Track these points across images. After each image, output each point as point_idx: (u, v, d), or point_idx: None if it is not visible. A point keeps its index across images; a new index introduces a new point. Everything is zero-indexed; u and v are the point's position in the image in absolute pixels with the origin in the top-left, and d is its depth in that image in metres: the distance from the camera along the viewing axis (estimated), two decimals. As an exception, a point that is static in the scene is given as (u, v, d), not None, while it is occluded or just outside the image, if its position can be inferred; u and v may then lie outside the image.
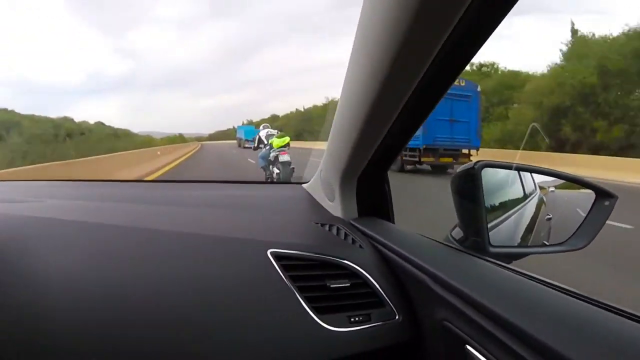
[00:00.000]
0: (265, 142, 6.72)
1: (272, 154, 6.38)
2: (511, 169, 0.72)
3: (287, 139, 6.51)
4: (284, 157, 6.12)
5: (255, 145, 7.22)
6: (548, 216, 0.81)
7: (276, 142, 6.40)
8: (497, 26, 0.47)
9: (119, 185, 1.27)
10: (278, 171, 6.17)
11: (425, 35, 0.46)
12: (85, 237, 0.70)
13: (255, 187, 1.23)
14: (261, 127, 7.54)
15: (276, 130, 7.15)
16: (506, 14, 0.45)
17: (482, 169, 0.65)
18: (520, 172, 0.76)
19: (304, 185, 1.07)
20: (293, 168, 6.14)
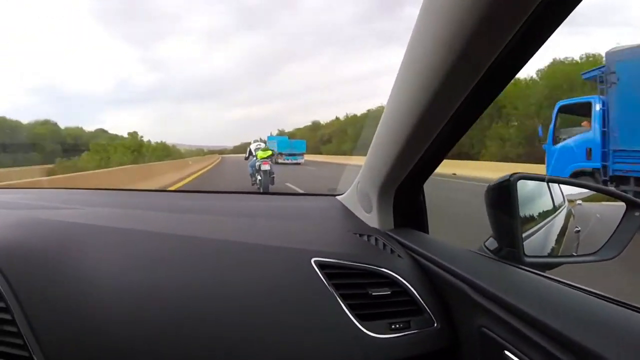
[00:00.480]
0: (254, 154, 8.26)
1: (257, 164, 7.87)
2: (544, 181, 0.74)
3: (269, 152, 8.16)
4: (265, 167, 7.67)
5: (247, 155, 8.73)
6: (577, 229, 0.82)
7: (260, 154, 7.94)
8: (549, 36, 0.48)
9: (153, 195, 1.32)
10: (260, 178, 7.73)
11: (480, 49, 0.47)
12: (129, 243, 0.73)
13: (290, 198, 1.26)
14: (252, 141, 8.79)
15: (263, 144, 8.54)
16: (560, 24, 0.46)
17: (517, 181, 0.67)
18: (550, 184, 0.78)
19: (338, 197, 1.09)
20: (273, 177, 7.80)
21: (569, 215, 0.82)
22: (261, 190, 6.70)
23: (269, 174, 7.73)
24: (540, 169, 7.55)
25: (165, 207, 1.06)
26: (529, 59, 0.52)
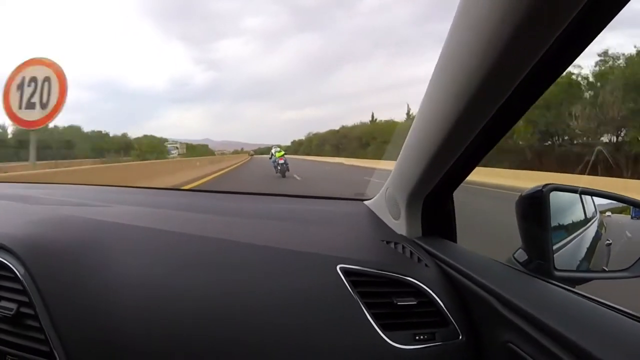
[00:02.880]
0: (274, 154, 14.13)
1: (275, 160, 13.57)
2: (577, 193, 0.72)
3: (282, 152, 13.81)
4: (281, 161, 13.10)
5: (270, 156, 15.00)
6: (608, 241, 0.80)
7: (277, 153, 13.74)
8: (587, 45, 0.46)
9: (178, 194, 1.34)
10: (279, 167, 13.03)
11: (519, 55, 0.45)
12: (156, 242, 0.74)
13: (317, 202, 1.25)
14: (273, 146, 15.14)
15: (279, 148, 14.58)
16: (603, 28, 0.44)
17: (550, 193, 0.65)
18: (582, 195, 0.75)
19: (366, 202, 1.07)
20: (287, 166, 13.09)
21: (600, 227, 0.79)
22: (281, 176, 12.68)
23: (284, 165, 13.07)
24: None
25: (191, 206, 1.07)
26: (566, 67, 0.50)
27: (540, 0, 0.39)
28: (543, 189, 0.65)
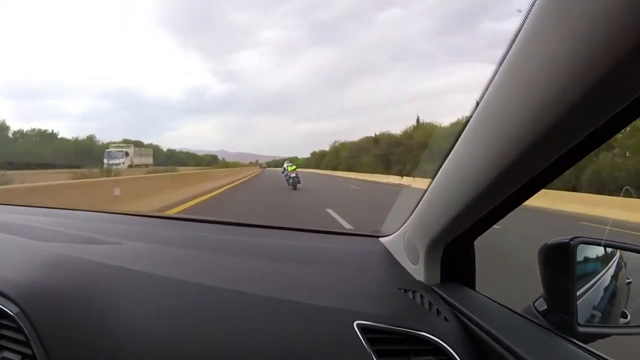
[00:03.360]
0: (286, 168, 15.70)
1: (287, 174, 15.12)
2: (607, 247, 0.69)
3: (294, 167, 15.24)
4: (292, 175, 14.68)
5: (282, 170, 17.09)
6: (628, 280, 0.77)
7: (289, 168, 15.20)
8: None
9: (189, 226, 1.29)
10: (290, 180, 14.63)
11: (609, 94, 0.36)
12: (164, 290, 0.71)
13: (329, 238, 1.20)
14: (285, 161, 17.03)
15: (291, 162, 15.92)
16: None
17: (577, 246, 0.62)
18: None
19: (382, 240, 1.03)
20: (298, 179, 14.80)
21: (620, 265, 0.77)
22: (293, 188, 14.38)
23: (295, 178, 14.73)
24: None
25: (198, 241, 1.04)
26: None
27: None
28: (570, 242, 0.62)
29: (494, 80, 0.49)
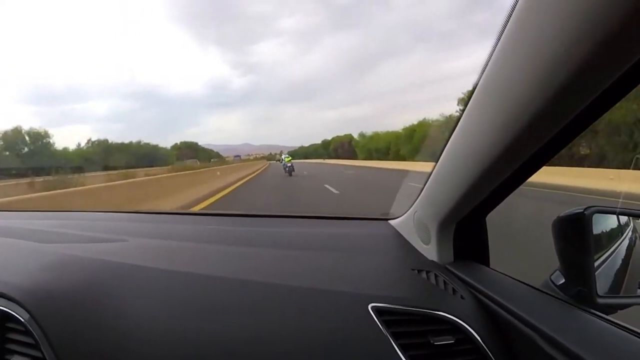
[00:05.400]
0: (283, 159, 21.29)
1: (285, 164, 19.67)
2: (622, 215, 0.67)
3: (290, 158, 20.64)
4: (288, 164, 19.18)
5: (281, 161, 24.00)
6: (644, 249, 0.76)
7: (286, 159, 20.35)
8: None
9: (195, 220, 1.29)
10: (287, 168, 18.92)
11: (601, 67, 0.37)
12: (173, 285, 0.71)
13: (339, 223, 1.19)
14: (282, 153, 20.84)
15: (287, 155, 23.22)
16: None
17: (592, 215, 0.61)
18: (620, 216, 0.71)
19: (391, 222, 1.02)
20: (293, 167, 19.21)
21: (634, 235, 0.76)
22: (289, 175, 18.19)
23: (291, 167, 18.95)
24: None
25: (205, 234, 1.03)
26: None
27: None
28: (585, 212, 0.60)
29: (494, 54, 0.48)
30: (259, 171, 26.83)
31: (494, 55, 0.48)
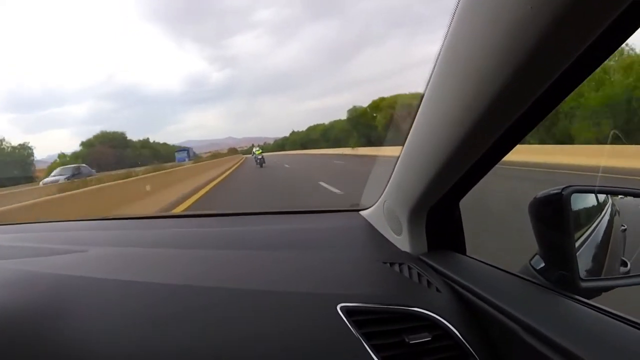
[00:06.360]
0: (254, 152, 24.32)
1: (256, 157, 22.90)
2: (600, 193, 0.64)
3: (260, 150, 24.06)
4: (259, 156, 22.49)
5: (252, 154, 25.63)
6: (623, 227, 0.73)
7: (256, 152, 23.74)
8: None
9: (162, 222, 1.23)
10: (257, 160, 22.14)
11: (553, 51, 0.35)
12: (127, 297, 0.64)
13: (309, 217, 1.14)
14: (254, 146, 29.89)
15: (258, 147, 27.07)
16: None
17: (571, 195, 0.57)
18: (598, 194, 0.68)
19: (362, 213, 0.97)
20: (264, 160, 22.31)
21: (613, 213, 0.73)
22: (259, 166, 21.19)
23: (262, 159, 21.78)
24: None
25: (169, 238, 0.97)
26: (598, 66, 0.39)
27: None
28: (563, 192, 0.56)
29: (453, 22, 0.44)
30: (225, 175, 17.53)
31: (452, 23, 0.44)
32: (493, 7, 0.37)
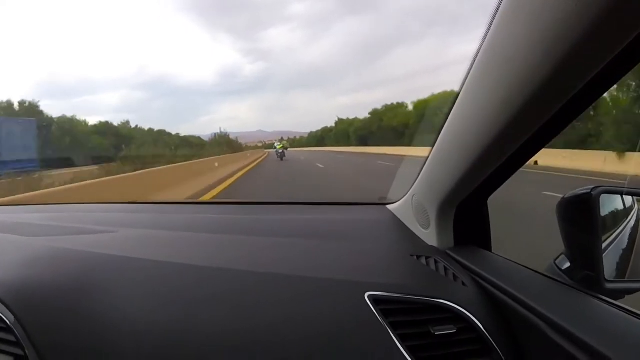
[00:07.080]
0: (276, 147, 28.09)
1: (277, 150, 26.45)
2: (630, 194, 0.64)
3: (281, 145, 27.37)
4: (280, 150, 25.90)
5: (274, 147, 29.40)
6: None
7: (278, 146, 27.43)
8: None
9: (189, 209, 1.24)
10: (279, 154, 25.46)
11: (594, 49, 0.35)
12: (158, 277, 0.67)
13: (336, 209, 1.15)
14: (275, 141, 33.21)
15: (278, 142, 30.11)
16: None
17: (600, 196, 0.57)
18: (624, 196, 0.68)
19: (389, 207, 0.98)
20: (284, 154, 25.44)
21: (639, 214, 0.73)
22: (280, 159, 24.25)
23: (282, 154, 24.98)
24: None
25: (199, 223, 0.99)
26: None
27: None
28: (592, 192, 0.57)
29: (494, 21, 0.44)
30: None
31: (493, 23, 0.44)
32: (536, 6, 0.37)
